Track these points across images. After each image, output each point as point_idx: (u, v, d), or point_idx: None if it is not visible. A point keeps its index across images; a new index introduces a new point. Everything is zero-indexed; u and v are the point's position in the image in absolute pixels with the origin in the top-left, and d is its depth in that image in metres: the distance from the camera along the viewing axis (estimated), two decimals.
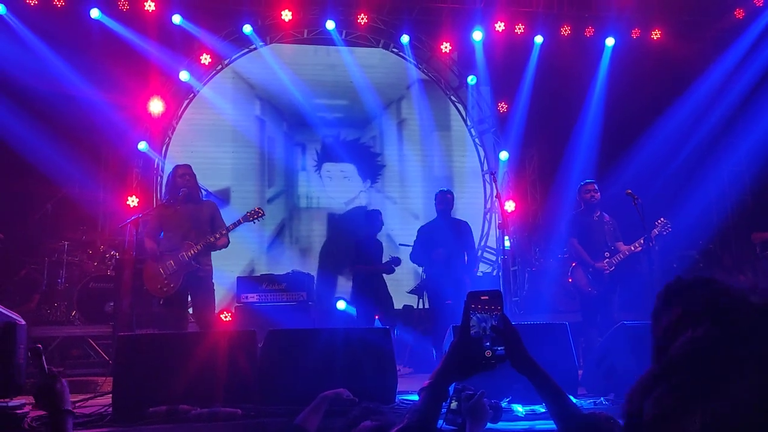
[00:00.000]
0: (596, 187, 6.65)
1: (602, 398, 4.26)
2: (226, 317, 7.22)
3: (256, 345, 4.14)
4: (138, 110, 8.28)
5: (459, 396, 2.55)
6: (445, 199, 6.88)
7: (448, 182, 9.01)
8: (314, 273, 8.30)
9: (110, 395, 3.92)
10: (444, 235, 6.70)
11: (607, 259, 6.45)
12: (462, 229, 6.89)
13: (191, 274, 5.52)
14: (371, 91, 9.31)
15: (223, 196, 8.74)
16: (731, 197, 8.62)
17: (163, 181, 6.70)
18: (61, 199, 7.75)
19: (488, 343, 1.69)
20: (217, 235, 5.56)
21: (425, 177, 9.31)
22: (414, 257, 7.00)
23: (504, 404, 3.92)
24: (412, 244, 6.99)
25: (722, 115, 8.87)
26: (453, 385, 3.64)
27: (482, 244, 9.03)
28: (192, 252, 5.49)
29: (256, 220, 5.78)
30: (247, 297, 7.03)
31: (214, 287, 5.88)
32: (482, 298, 1.72)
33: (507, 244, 6.34)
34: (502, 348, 1.70)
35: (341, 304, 8.00)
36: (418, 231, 7.04)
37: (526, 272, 8.52)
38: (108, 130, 7.79)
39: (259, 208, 5.81)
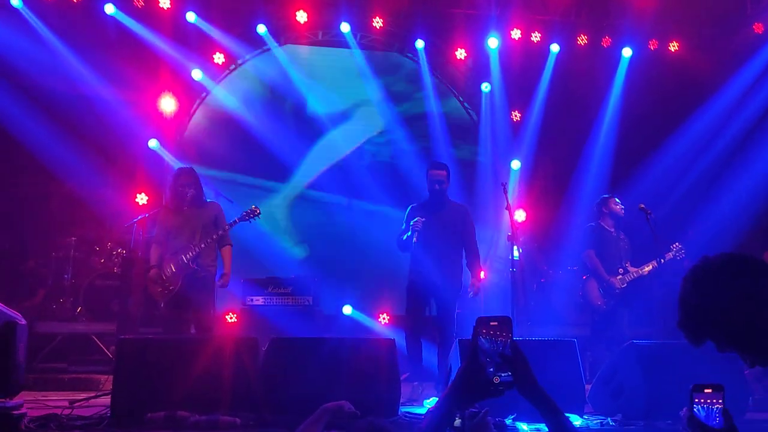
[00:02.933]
0: (622, 205, 6.58)
1: (609, 419, 4.19)
2: (231, 318, 7.17)
3: (259, 352, 4.10)
4: (149, 108, 8.26)
5: (463, 414, 2.52)
6: (437, 174, 5.71)
7: (457, 190, 8.90)
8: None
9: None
10: (433, 215, 5.62)
11: (621, 276, 6.36)
12: (461, 212, 5.85)
13: (191, 276, 5.49)
14: (384, 94, 9.25)
15: (233, 196, 8.71)
16: (747, 215, 8.48)
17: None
18: (69, 196, 7.75)
19: (493, 369, 1.68)
20: (214, 236, 5.54)
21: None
22: (398, 241, 5.77)
23: (509, 422, 3.86)
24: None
25: (739, 131, 8.74)
26: None
27: (491, 253, 8.94)
28: (191, 254, 5.47)
29: (252, 219, 5.76)
30: (252, 300, 6.98)
31: (222, 289, 5.86)
32: (491, 323, 1.72)
33: (516, 254, 6.23)
34: (509, 374, 1.69)
35: (347, 309, 7.95)
36: (407, 210, 5.86)
37: (536, 284, 8.42)
38: (118, 127, 7.77)
39: (255, 207, 5.79)
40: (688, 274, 1.80)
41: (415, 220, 5.50)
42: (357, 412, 3.60)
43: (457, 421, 2.49)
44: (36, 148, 7.33)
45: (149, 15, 8.25)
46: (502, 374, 1.69)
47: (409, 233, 5.54)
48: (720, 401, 1.73)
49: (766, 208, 8.35)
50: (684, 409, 1.77)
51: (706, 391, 1.74)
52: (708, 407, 1.73)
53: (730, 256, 1.77)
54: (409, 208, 5.91)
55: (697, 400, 1.73)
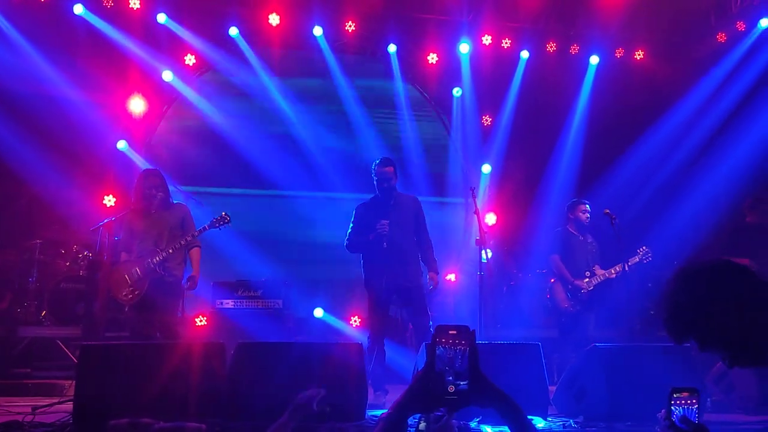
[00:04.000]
0: (589, 208, 6.68)
1: (571, 421, 4.27)
2: (201, 321, 7.13)
3: (226, 357, 4.09)
4: (118, 109, 8.17)
5: (427, 417, 2.54)
6: (385, 172, 5.63)
7: (428, 194, 8.96)
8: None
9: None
10: (389, 215, 5.57)
11: (587, 279, 6.48)
12: (413, 205, 5.81)
13: (157, 280, 5.46)
14: (355, 98, 9.27)
15: (203, 199, 8.64)
16: (708, 220, 8.69)
17: None
18: (35, 198, 7.62)
19: (451, 378, 1.70)
20: (182, 242, 5.51)
21: (406, 187, 9.27)
22: (349, 243, 5.73)
23: (473, 425, 3.91)
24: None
25: (702, 137, 8.95)
26: None
27: (461, 257, 9.02)
28: (158, 258, 5.44)
29: (221, 227, 5.73)
30: (222, 303, 6.95)
31: (191, 292, 5.83)
32: (450, 332, 1.74)
33: (484, 258, 6.30)
34: (465, 383, 1.70)
35: (318, 312, 7.95)
36: (355, 210, 5.82)
37: (505, 287, 8.52)
38: (86, 128, 7.66)
39: (225, 214, 5.76)
40: (676, 273, 1.88)
41: (381, 223, 5.48)
42: (327, 407, 3.61)
43: (422, 425, 2.52)
44: (0, 149, 7.20)
45: (119, 16, 8.16)
46: (459, 383, 1.72)
47: (369, 237, 5.55)
48: (696, 402, 1.83)
49: (727, 214, 8.56)
50: (662, 411, 1.85)
51: (683, 393, 1.83)
52: (685, 408, 1.82)
53: (718, 259, 1.88)
54: (357, 207, 5.86)
55: (675, 402, 1.82)
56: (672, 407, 1.82)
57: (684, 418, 1.81)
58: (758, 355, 1.77)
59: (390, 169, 5.67)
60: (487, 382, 1.74)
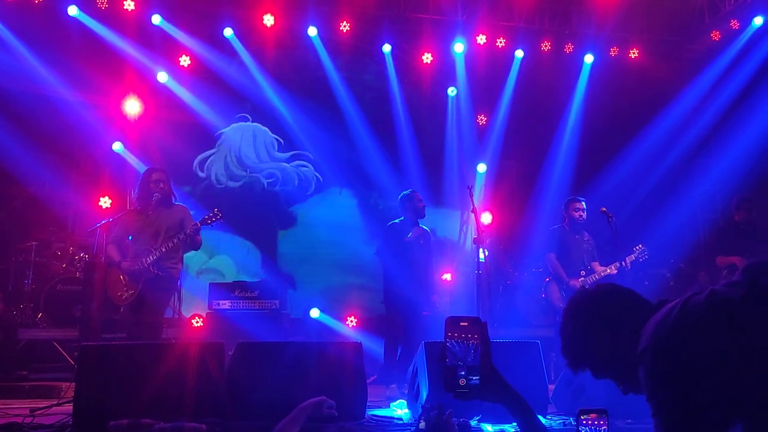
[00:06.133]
0: (584, 206, 6.67)
1: (571, 418, 4.27)
2: (197, 322, 7.12)
3: (225, 357, 4.08)
4: (113, 111, 8.16)
5: (428, 416, 2.56)
6: (415, 200, 6.34)
7: (424, 194, 8.95)
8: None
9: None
10: (421, 246, 6.29)
11: (582, 278, 6.48)
12: (429, 239, 6.49)
13: (151, 279, 5.45)
14: (350, 98, 9.27)
15: (198, 199, 8.65)
16: (703, 217, 8.75)
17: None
18: (31, 199, 7.60)
19: (463, 373, 1.69)
20: (176, 240, 5.50)
21: (402, 186, 9.27)
22: (380, 252, 6.37)
23: (473, 423, 3.91)
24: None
25: (697, 136, 9.00)
26: (422, 405, 3.62)
27: (458, 256, 9.04)
28: (152, 257, 5.42)
29: (213, 223, 5.74)
30: (218, 304, 6.93)
31: (188, 292, 5.84)
32: (461, 324, 1.73)
33: (482, 257, 6.31)
34: (477, 378, 1.70)
35: (315, 313, 7.95)
36: (388, 227, 6.45)
37: (501, 285, 8.53)
38: (81, 129, 7.65)
39: (217, 210, 5.78)
40: (566, 304, 1.89)
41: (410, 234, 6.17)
42: (335, 412, 3.62)
43: (422, 424, 2.54)
44: None
45: (113, 17, 8.15)
46: (472, 378, 1.72)
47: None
48: (604, 424, 1.88)
49: (722, 211, 8.61)
50: None
51: (591, 414, 1.89)
52: (593, 429, 1.87)
53: (601, 287, 1.87)
54: (390, 225, 6.44)
55: (583, 423, 1.88)
56: (580, 428, 1.86)
57: None
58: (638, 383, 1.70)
59: (420, 200, 6.37)
60: (500, 378, 1.75)
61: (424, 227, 6.45)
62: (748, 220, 6.77)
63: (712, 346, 1.53)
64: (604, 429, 1.86)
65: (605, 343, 1.76)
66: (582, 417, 1.86)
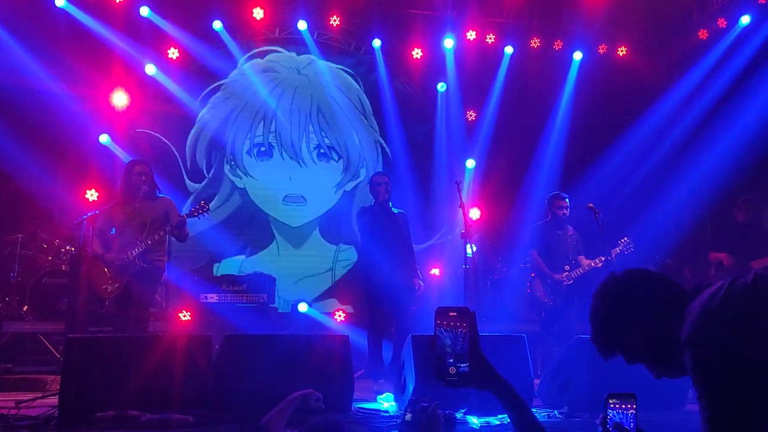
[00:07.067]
0: (568, 203, 6.71)
1: (556, 411, 4.31)
2: (185, 316, 7.10)
3: (212, 350, 4.08)
4: (101, 103, 8.09)
5: (414, 408, 2.55)
6: (372, 184, 6.19)
7: (413, 188, 8.98)
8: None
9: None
10: (389, 227, 6.08)
11: (567, 272, 6.52)
12: (404, 222, 6.28)
13: (137, 272, 5.43)
14: (339, 99, 9.28)
15: (185, 193, 8.62)
16: (689, 214, 8.82)
17: None
18: (16, 191, 7.54)
19: (452, 360, 1.72)
20: (162, 233, 5.48)
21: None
22: (364, 249, 6.28)
23: (459, 416, 3.94)
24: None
25: (684, 133, 9.07)
26: (408, 397, 3.63)
27: (445, 251, 9.06)
28: (137, 250, 5.40)
29: (200, 215, 5.73)
30: (206, 297, 6.93)
31: (175, 286, 5.82)
32: (450, 314, 1.76)
33: (469, 252, 6.33)
34: (466, 365, 1.72)
35: (303, 307, 7.95)
36: (359, 214, 6.34)
37: (489, 281, 8.57)
38: (68, 121, 7.58)
39: (204, 202, 5.77)
40: (596, 290, 1.87)
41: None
42: (322, 405, 3.63)
43: (408, 416, 2.53)
44: None
45: (101, 8, 8.08)
46: (460, 365, 1.74)
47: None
48: (632, 408, 1.84)
49: (708, 208, 8.69)
50: (600, 416, 1.88)
51: (620, 399, 1.84)
52: (621, 413, 1.84)
53: (634, 271, 1.85)
54: (360, 211, 6.38)
55: (611, 407, 1.84)
56: (608, 412, 1.84)
57: (617, 425, 1.82)
58: (679, 366, 1.70)
59: (386, 181, 6.19)
60: (488, 366, 1.77)
61: (396, 210, 6.32)
62: (745, 219, 6.81)
63: (760, 329, 1.55)
64: (632, 413, 1.84)
65: (639, 328, 1.76)
66: (610, 401, 1.85)
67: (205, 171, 8.90)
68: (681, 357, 1.66)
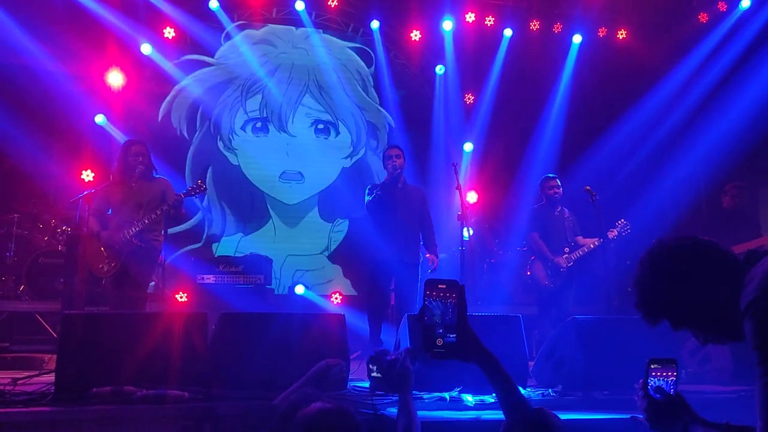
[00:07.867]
0: (559, 183, 6.72)
1: (550, 390, 4.34)
2: (181, 297, 7.10)
3: (208, 327, 4.08)
4: (97, 82, 8.03)
5: (380, 363, 2.30)
6: (384, 158, 6.18)
7: (410, 171, 8.94)
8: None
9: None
10: (398, 203, 6.03)
11: (566, 255, 6.54)
12: (419, 198, 6.22)
13: (133, 252, 5.42)
14: (338, 73, 9.21)
15: (182, 174, 8.59)
16: (687, 198, 8.82)
17: None
18: (12, 171, 7.50)
19: (441, 331, 1.73)
20: (158, 212, 5.46)
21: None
22: (368, 226, 6.21)
23: (454, 394, 3.96)
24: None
25: (682, 117, 9.04)
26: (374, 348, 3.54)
27: (443, 233, 9.05)
28: (134, 230, 5.40)
29: (197, 195, 5.73)
30: (203, 278, 6.93)
31: (172, 267, 5.82)
32: (439, 286, 1.77)
33: (466, 235, 6.34)
34: (453, 336, 1.73)
35: (300, 289, 7.96)
36: (369, 189, 6.17)
37: (485, 263, 8.59)
38: (64, 101, 7.52)
39: (201, 182, 5.77)
40: (643, 257, 1.86)
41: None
42: (345, 374, 3.62)
43: (375, 373, 2.33)
44: None
45: None
46: (448, 335, 1.75)
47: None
48: (672, 374, 1.86)
49: (706, 192, 8.70)
50: (640, 381, 1.86)
51: (661, 364, 1.85)
52: (661, 379, 1.84)
53: (684, 238, 1.84)
54: (372, 186, 6.24)
55: (652, 373, 1.84)
56: (649, 378, 1.84)
57: (658, 389, 1.83)
58: (729, 332, 1.73)
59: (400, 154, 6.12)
60: (474, 338, 1.77)
61: (411, 185, 6.30)
62: (731, 206, 6.82)
63: None
64: (673, 379, 1.85)
65: (692, 295, 1.75)
66: (652, 366, 1.85)
67: (186, 134, 8.74)
68: (735, 322, 1.66)
